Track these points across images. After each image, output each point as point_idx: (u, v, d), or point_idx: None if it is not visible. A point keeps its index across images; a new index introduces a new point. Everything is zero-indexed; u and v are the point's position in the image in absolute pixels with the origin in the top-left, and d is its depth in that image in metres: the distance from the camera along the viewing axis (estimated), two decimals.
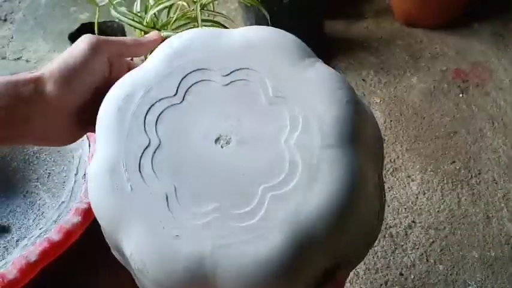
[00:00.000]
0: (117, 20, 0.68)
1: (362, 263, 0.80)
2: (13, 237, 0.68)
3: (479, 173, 0.93)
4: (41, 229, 0.60)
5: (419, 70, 1.12)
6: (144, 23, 0.60)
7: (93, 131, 0.33)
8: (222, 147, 0.30)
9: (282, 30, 0.34)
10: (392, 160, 0.95)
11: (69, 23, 1.26)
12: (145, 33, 0.54)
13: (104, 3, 0.66)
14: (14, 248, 0.66)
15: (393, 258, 0.81)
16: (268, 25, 0.36)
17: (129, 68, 0.37)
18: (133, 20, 0.61)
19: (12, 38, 1.27)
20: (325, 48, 1.16)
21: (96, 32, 1.08)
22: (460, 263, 0.81)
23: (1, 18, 1.33)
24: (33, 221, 0.68)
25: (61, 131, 0.34)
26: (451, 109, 1.04)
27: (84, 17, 1.29)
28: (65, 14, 1.32)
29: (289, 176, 0.28)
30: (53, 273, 0.58)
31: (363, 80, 1.11)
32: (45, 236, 0.56)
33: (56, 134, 0.34)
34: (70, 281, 0.64)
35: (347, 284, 0.78)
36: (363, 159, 0.30)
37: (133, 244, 0.28)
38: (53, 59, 0.34)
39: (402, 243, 0.83)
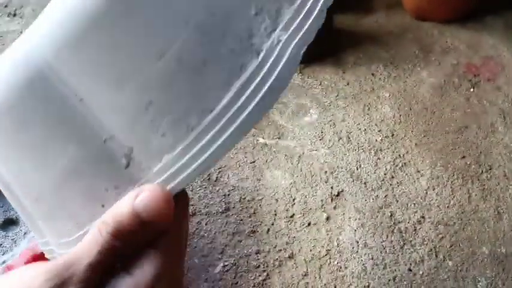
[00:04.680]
0: None
1: (370, 257, 0.80)
2: (21, 230, 0.69)
3: (490, 169, 0.91)
4: None
5: (429, 64, 1.11)
6: None
7: None
8: None
9: None
10: (401, 155, 0.94)
11: None
12: None
13: None
14: (21, 240, 0.66)
15: (402, 254, 0.80)
16: None
17: None
18: None
19: (21, 32, 1.27)
20: (335, 42, 1.15)
21: None
22: (470, 259, 0.80)
23: (11, 13, 1.34)
24: None
25: None
26: (462, 104, 1.03)
27: None
28: None
29: None
30: None
31: (372, 74, 1.09)
32: None
33: None
34: None
35: (354, 279, 0.78)
36: None
37: None
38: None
39: (411, 239, 0.82)
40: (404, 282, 0.77)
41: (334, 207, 0.86)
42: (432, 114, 1.01)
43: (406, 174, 0.91)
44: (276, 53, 0.22)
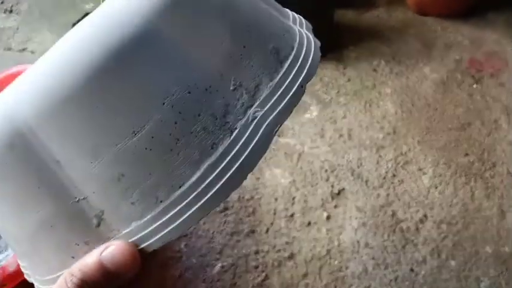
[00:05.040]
0: None
1: (371, 257, 0.78)
2: None
3: (493, 166, 0.90)
4: None
5: (432, 60, 1.09)
6: None
7: None
8: None
9: None
10: (403, 153, 0.92)
11: (75, 14, 1.24)
12: None
13: None
14: None
15: (403, 254, 0.79)
16: None
17: None
18: None
19: (17, 29, 1.26)
20: (336, 37, 1.13)
21: None
22: (473, 259, 0.78)
23: (7, 10, 1.32)
24: None
25: None
26: (465, 100, 1.01)
27: (89, 7, 1.27)
28: (70, 4, 1.30)
29: None
30: None
31: (374, 70, 1.08)
32: None
33: None
34: None
35: (355, 280, 0.76)
36: None
37: None
38: None
39: (413, 238, 0.81)
40: (406, 283, 0.76)
41: (335, 206, 0.84)
42: (435, 111, 0.99)
43: (408, 172, 0.89)
44: (248, 132, 0.23)
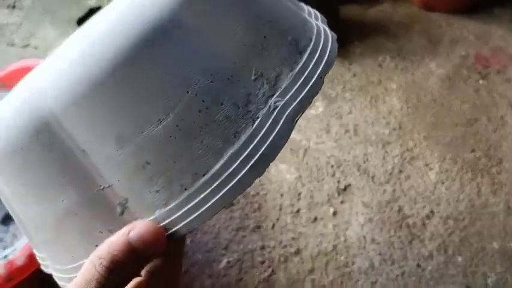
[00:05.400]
0: None
1: (377, 253, 0.78)
2: None
3: (500, 162, 0.89)
4: None
5: (438, 55, 1.08)
6: None
7: None
8: None
9: None
10: (409, 148, 0.92)
11: (77, 9, 1.24)
12: None
13: None
14: (22, 234, 0.65)
15: (410, 249, 0.79)
16: None
17: None
18: None
19: (20, 24, 1.25)
20: (341, 33, 1.13)
21: None
22: (479, 255, 0.78)
23: (10, 5, 1.31)
24: None
25: None
26: (471, 96, 1.00)
27: (92, 3, 1.27)
28: (74, 0, 1.30)
29: None
30: None
31: (380, 65, 1.07)
32: None
33: None
34: None
35: (361, 275, 0.76)
36: None
37: None
38: None
39: (419, 234, 0.80)
40: (413, 278, 0.76)
41: (341, 202, 0.84)
42: (441, 107, 0.98)
43: (415, 167, 0.89)
44: (270, 120, 0.23)
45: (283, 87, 0.23)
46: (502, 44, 1.10)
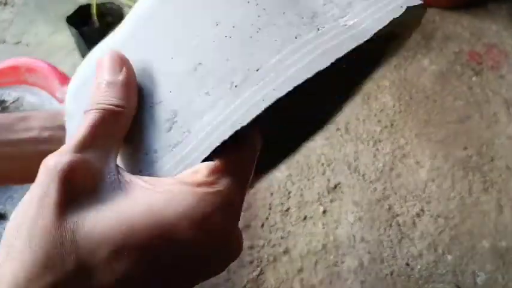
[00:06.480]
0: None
1: (367, 252, 0.78)
2: None
3: (491, 160, 0.89)
4: None
5: (431, 51, 1.07)
6: None
7: None
8: None
9: None
10: (401, 146, 0.91)
11: (70, 6, 1.23)
12: None
13: None
14: None
15: (399, 248, 0.78)
16: None
17: None
18: (134, 1, 0.58)
19: (12, 21, 1.25)
20: None
21: (94, 14, 1.05)
22: (469, 253, 0.78)
23: (2, 2, 1.31)
24: None
25: None
26: (464, 93, 0.99)
27: (84, 0, 1.26)
28: None
29: None
30: None
31: None
32: None
33: None
34: None
35: (350, 275, 0.76)
36: None
37: None
38: None
39: (409, 233, 0.80)
40: (402, 277, 0.76)
41: (331, 200, 0.84)
42: (433, 104, 0.98)
43: (406, 165, 0.88)
44: (337, 30, 0.21)
45: (356, 10, 0.22)
46: (496, 40, 1.09)
